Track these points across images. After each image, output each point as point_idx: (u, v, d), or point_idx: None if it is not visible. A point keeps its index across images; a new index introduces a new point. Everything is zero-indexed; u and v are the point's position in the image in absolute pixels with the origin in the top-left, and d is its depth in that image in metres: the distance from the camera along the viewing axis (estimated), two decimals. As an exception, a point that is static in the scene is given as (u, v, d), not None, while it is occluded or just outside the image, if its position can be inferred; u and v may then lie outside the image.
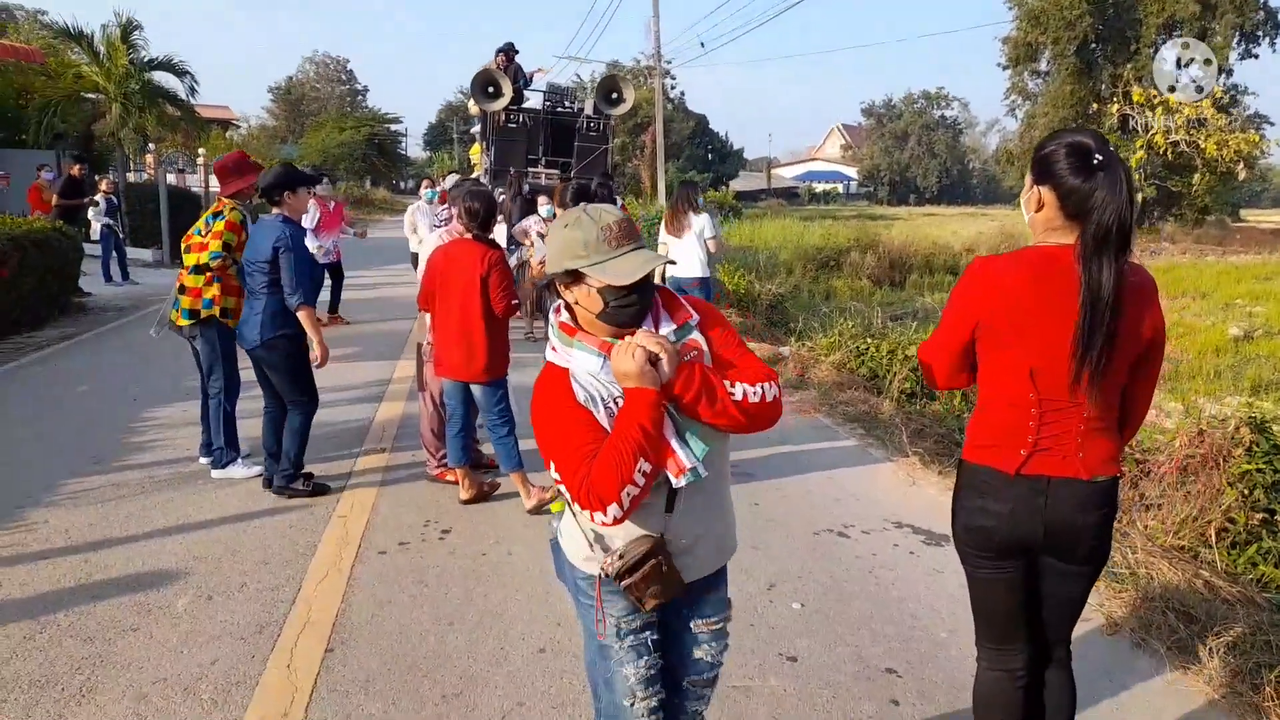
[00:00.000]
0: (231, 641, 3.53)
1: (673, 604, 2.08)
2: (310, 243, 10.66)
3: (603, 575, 2.02)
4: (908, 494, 5.41)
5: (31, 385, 7.80)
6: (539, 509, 4.82)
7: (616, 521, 1.87)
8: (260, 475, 5.33)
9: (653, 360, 1.85)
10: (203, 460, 5.52)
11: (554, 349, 2.02)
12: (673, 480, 1.91)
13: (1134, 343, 2.20)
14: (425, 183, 12.36)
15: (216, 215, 5.25)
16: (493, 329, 4.72)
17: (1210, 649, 3.40)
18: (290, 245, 4.78)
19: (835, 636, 3.67)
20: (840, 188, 73.09)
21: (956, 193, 69.50)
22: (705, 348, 2.01)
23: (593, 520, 1.88)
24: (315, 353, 4.93)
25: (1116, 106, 27.14)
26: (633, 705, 2.09)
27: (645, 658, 2.09)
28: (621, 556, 1.97)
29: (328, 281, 10.80)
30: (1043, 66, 34.80)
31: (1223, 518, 4.55)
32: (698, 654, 2.20)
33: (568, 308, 2.02)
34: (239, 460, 5.41)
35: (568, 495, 1.91)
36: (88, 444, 6.00)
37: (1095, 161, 2.12)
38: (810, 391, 7.88)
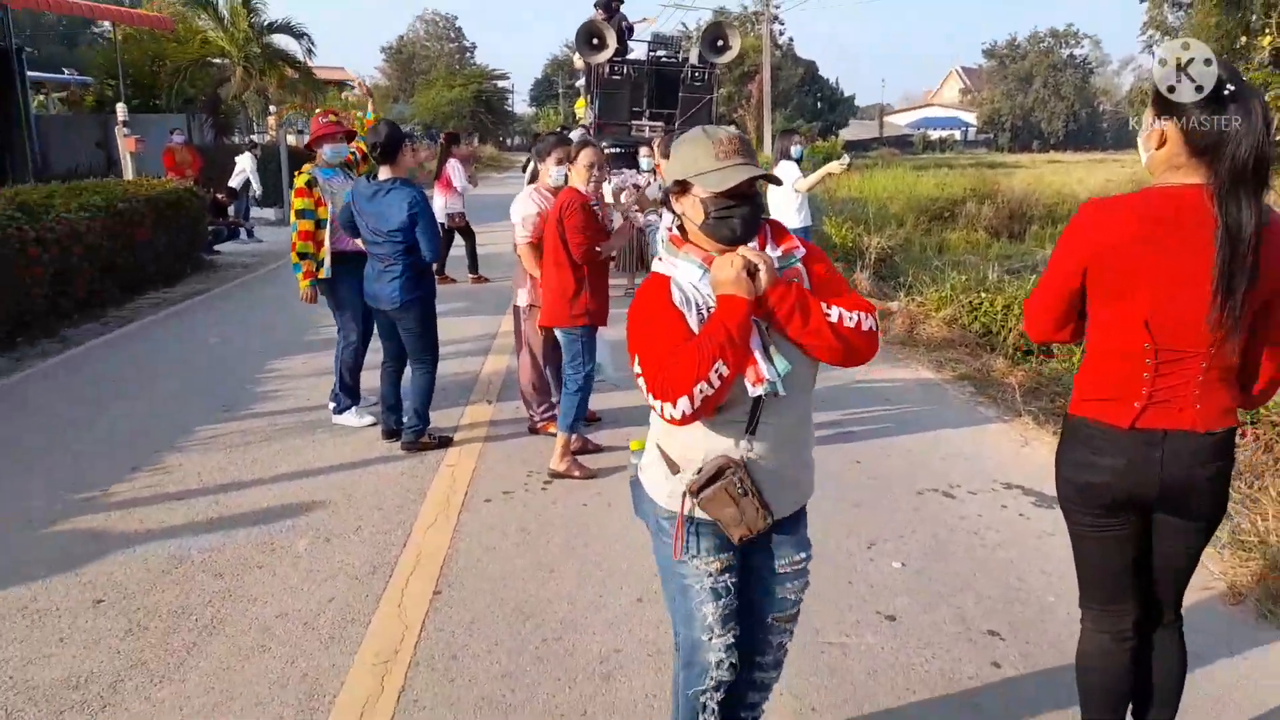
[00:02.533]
0: (347, 581, 3.73)
1: (756, 544, 2.14)
2: (455, 203, 10.90)
3: (685, 494, 2.08)
4: (1019, 455, 5.23)
5: (168, 338, 8.35)
6: (561, 475, 4.80)
7: (685, 419, 1.92)
8: (372, 424, 5.58)
9: (750, 272, 1.94)
10: (329, 406, 5.81)
11: (660, 259, 2.12)
12: (749, 388, 1.97)
13: (1267, 287, 2.04)
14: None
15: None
16: (563, 272, 4.66)
17: (1347, 624, 3.19)
18: (422, 208, 4.92)
19: (936, 596, 3.60)
20: (958, 135, 70.01)
21: (1084, 138, 65.66)
22: (806, 278, 2.09)
23: (662, 415, 1.94)
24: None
25: (1269, 39, 24.93)
26: (710, 640, 2.16)
27: (724, 598, 2.15)
28: (700, 472, 2.05)
29: (460, 241, 11.08)
30: (1185, -3, 32.27)
31: (1369, 485, 4.23)
32: (781, 593, 2.26)
33: (680, 228, 2.13)
34: (353, 409, 5.67)
35: (645, 386, 1.97)
36: (219, 393, 6.38)
37: (1227, 92, 1.96)
38: (918, 348, 7.67)
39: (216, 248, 13.59)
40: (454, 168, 10.84)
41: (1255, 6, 29.69)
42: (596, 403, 5.69)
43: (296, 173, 5.57)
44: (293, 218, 5.44)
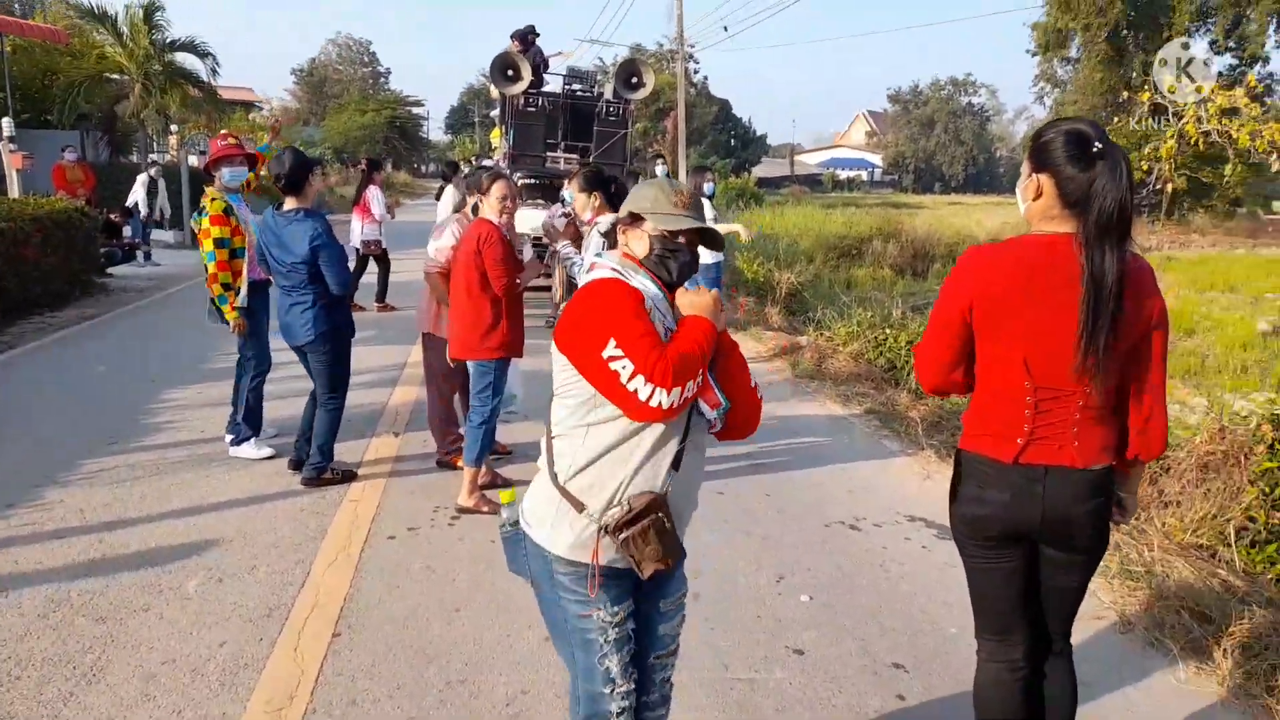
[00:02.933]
0: (240, 624, 3.55)
1: (643, 584, 2.13)
2: (372, 231, 10.65)
3: (600, 535, 2.04)
4: (922, 487, 5.36)
5: (53, 365, 7.89)
6: (469, 510, 4.71)
7: (670, 412, 1.93)
8: (271, 456, 5.39)
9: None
10: (226, 438, 5.57)
11: (613, 269, 2.12)
12: (706, 410, 2.07)
13: (1134, 330, 2.18)
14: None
15: (200, 211, 5.29)
16: (479, 303, 4.60)
17: (1225, 649, 3.35)
18: (326, 239, 4.78)
19: (843, 630, 3.64)
20: (865, 175, 72.48)
21: (983, 181, 68.80)
22: None
23: (648, 402, 1.90)
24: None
25: (1148, 95, 26.68)
26: (611, 692, 2.14)
27: (627, 647, 2.15)
28: (628, 508, 2.02)
29: (372, 268, 10.88)
30: (1073, 53, 34.29)
31: (1243, 516, 4.48)
32: (662, 630, 2.29)
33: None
34: (252, 440, 5.45)
35: (628, 370, 1.92)
36: (105, 424, 6.05)
37: (1095, 149, 2.12)
38: (826, 382, 7.83)
39: (110, 270, 12.98)
40: (374, 195, 10.70)
41: (1135, 64, 31.79)
42: (507, 436, 5.63)
43: (208, 199, 5.28)
44: (208, 246, 5.17)
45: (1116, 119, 28.90)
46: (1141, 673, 3.38)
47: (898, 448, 6.13)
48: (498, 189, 4.70)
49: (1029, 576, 2.41)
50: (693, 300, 2.09)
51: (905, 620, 3.74)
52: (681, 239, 2.13)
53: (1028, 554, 2.38)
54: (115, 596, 3.74)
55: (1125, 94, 29.85)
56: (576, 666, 2.20)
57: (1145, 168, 24.39)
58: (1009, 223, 25.76)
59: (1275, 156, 24.68)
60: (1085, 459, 2.24)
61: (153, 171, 16.10)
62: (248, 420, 5.45)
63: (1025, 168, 2.29)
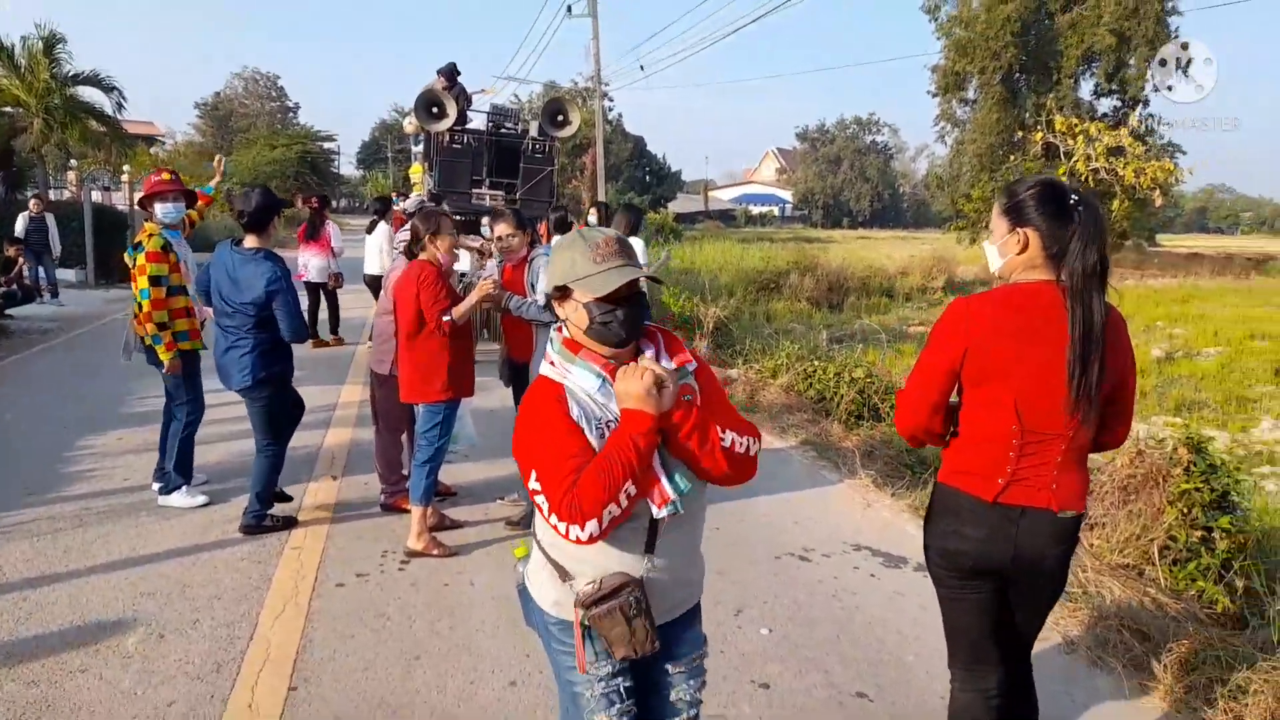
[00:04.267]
0: (188, 681, 3.39)
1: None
2: (331, 263, 10.71)
3: (576, 606, 1.98)
4: (863, 516, 5.49)
5: (-47, 412, 7.42)
6: (419, 554, 4.61)
7: (592, 540, 1.84)
8: (205, 504, 5.20)
9: (657, 386, 1.88)
10: (154, 486, 5.32)
11: (551, 363, 2.02)
12: (654, 510, 1.92)
13: (1114, 372, 2.30)
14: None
15: (136, 246, 5.10)
16: (427, 344, 4.54)
17: (1164, 665, 3.52)
18: (284, 284, 4.62)
19: (805, 661, 3.69)
20: (776, 210, 74.32)
21: (888, 216, 71.40)
22: (698, 392, 2.04)
23: (567, 536, 1.84)
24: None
25: (1040, 135, 28.19)
26: None
27: (617, 704, 2.04)
28: (598, 586, 1.95)
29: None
30: (970, 95, 35.92)
31: (1164, 536, 4.72)
32: (674, 696, 2.16)
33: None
34: (183, 488, 5.23)
35: (545, 506, 1.85)
36: (19, 475, 5.72)
37: (1073, 201, 2.24)
38: (761, 414, 7.95)
39: (9, 311, 12.32)
40: (334, 230, 11.03)
41: (1028, 106, 33.54)
42: (452, 476, 5.55)
43: (145, 235, 5.09)
44: (143, 283, 4.97)
45: (1012, 157, 30.47)
46: (1090, 692, 3.51)
47: (836, 477, 6.27)
48: (446, 230, 4.67)
49: (1000, 608, 2.50)
50: (625, 389, 1.87)
51: (863, 649, 3.81)
52: (616, 295, 1.93)
53: (999, 586, 2.48)
54: (47, 658, 3.53)
55: (1020, 133, 31.50)
56: None
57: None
58: (916, 256, 26.80)
59: (1157, 192, 26.40)
60: (1061, 503, 2.34)
61: (33, 208, 15.11)
62: (179, 469, 5.23)
63: (1002, 225, 2.38)
